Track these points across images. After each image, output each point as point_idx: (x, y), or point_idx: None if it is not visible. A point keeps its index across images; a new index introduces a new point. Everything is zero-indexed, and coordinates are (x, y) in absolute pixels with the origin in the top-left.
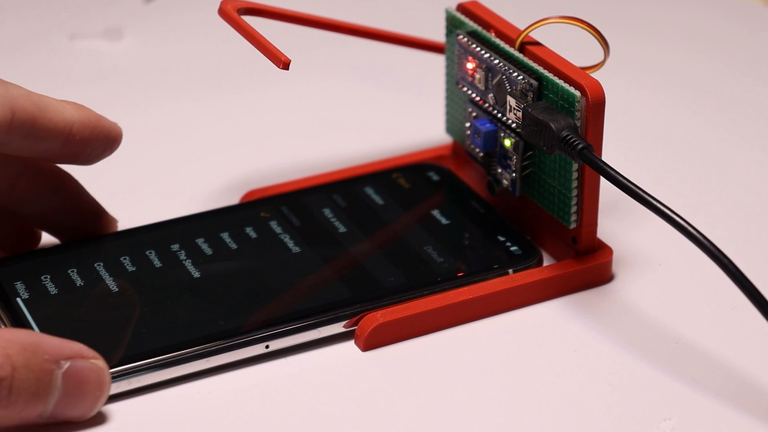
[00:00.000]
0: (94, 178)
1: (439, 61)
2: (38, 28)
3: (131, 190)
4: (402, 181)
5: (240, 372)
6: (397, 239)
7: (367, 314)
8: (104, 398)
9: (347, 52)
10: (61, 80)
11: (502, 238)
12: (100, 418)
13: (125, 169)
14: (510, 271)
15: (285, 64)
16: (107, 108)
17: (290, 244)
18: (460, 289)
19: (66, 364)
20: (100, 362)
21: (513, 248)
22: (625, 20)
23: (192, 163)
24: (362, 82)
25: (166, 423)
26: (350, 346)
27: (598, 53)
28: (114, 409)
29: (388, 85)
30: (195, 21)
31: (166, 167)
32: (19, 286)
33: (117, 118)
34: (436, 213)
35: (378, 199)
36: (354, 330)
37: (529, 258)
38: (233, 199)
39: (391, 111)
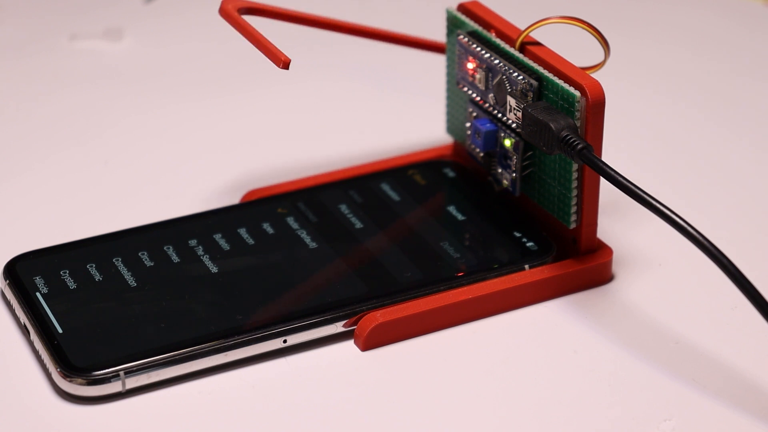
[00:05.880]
0: (94, 178)
1: (439, 61)
2: (38, 28)
3: (131, 190)
4: (418, 177)
5: (240, 372)
6: (413, 235)
7: (366, 314)
8: None
9: (347, 52)
10: (61, 80)
11: (517, 234)
12: (98, 417)
13: (125, 170)
14: (526, 266)
15: (285, 64)
16: (107, 108)
17: (307, 239)
18: (460, 289)
19: None
20: None
21: (529, 244)
22: (625, 20)
23: (192, 163)
24: (362, 82)
25: (166, 423)
26: (350, 345)
27: (598, 53)
28: (113, 408)
29: (389, 85)
30: (195, 21)
31: (166, 167)
32: (39, 281)
33: (117, 118)
34: (451, 209)
35: (394, 195)
36: (354, 330)
37: (544, 253)
38: (233, 199)
39: (391, 111)
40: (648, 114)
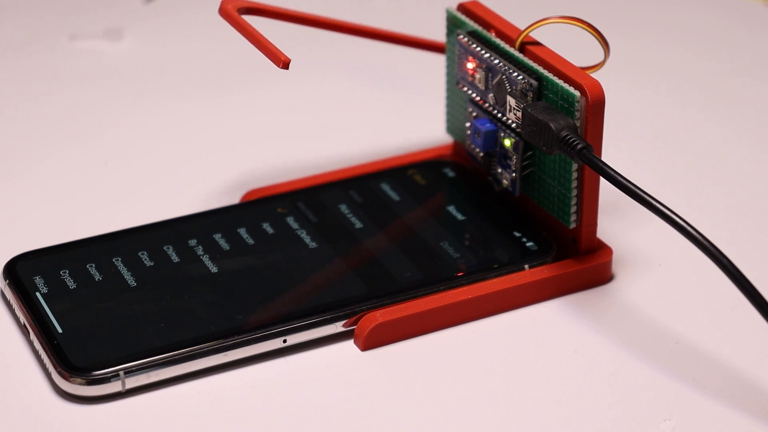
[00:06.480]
0: (94, 178)
1: (439, 61)
2: (38, 28)
3: (131, 190)
4: (418, 177)
5: (240, 372)
6: (413, 235)
7: (366, 314)
8: None
9: (347, 52)
10: (61, 80)
11: (517, 234)
12: (97, 417)
13: (125, 170)
14: (526, 266)
15: (285, 64)
16: (107, 108)
17: (307, 239)
18: (460, 289)
19: None
20: None
21: (529, 244)
22: (625, 20)
23: (192, 163)
24: (362, 82)
25: (166, 423)
26: (350, 345)
27: (598, 53)
28: (113, 408)
29: (388, 85)
30: (195, 21)
31: (166, 167)
32: (39, 281)
33: (117, 119)
34: (451, 209)
35: (394, 195)
36: (353, 329)
37: (544, 253)
38: (233, 199)
39: (391, 111)
40: (648, 114)
